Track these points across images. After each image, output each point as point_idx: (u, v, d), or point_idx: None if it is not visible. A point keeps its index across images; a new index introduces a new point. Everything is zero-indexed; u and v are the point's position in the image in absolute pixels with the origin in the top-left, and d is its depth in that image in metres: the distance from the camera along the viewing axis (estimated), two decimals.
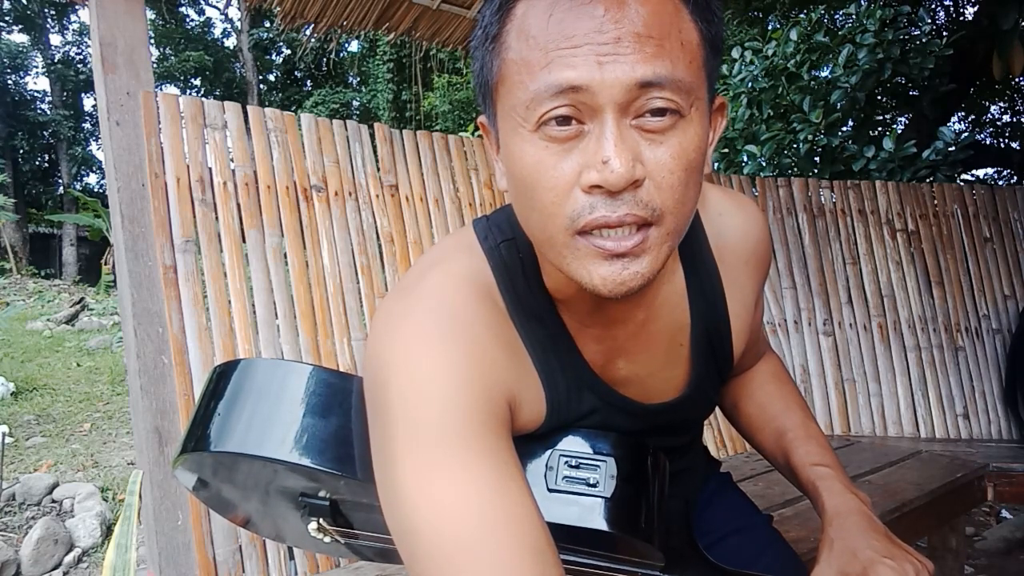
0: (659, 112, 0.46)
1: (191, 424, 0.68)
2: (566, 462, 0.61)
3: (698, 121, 0.49)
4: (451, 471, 0.48)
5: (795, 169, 3.58)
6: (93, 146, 19.37)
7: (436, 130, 2.96)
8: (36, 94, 20.38)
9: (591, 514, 0.59)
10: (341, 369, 1.47)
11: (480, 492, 0.47)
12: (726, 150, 3.80)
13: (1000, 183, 6.58)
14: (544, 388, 0.61)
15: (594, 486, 0.60)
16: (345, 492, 0.66)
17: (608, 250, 0.47)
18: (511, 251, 0.62)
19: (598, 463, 0.61)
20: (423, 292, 0.57)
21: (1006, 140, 7.62)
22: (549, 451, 0.62)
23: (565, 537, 0.60)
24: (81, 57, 18.79)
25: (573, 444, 0.63)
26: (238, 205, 1.43)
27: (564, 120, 0.47)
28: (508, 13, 0.49)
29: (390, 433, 0.51)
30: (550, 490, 0.60)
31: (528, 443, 0.62)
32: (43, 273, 13.04)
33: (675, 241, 0.51)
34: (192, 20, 20.30)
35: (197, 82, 19.76)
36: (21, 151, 17.17)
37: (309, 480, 0.65)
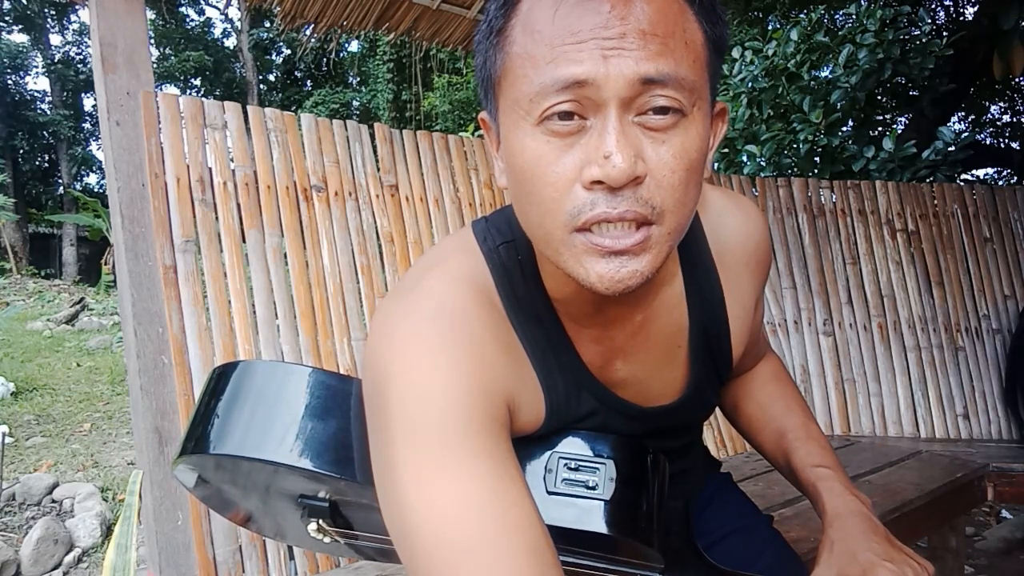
0: (662, 110, 0.47)
1: (190, 426, 0.68)
2: (565, 464, 0.61)
3: (700, 121, 0.49)
4: (450, 472, 0.48)
5: (795, 169, 3.58)
6: (93, 146, 19.39)
7: (436, 130, 2.95)
8: (36, 94, 20.41)
9: (590, 516, 0.59)
10: (341, 369, 1.47)
11: (479, 494, 0.47)
12: (726, 150, 3.80)
13: (1000, 183, 6.57)
14: (543, 389, 0.61)
15: (593, 488, 0.60)
16: (345, 493, 0.66)
17: (606, 247, 0.47)
18: (510, 253, 0.62)
19: (597, 466, 0.61)
20: (422, 293, 0.57)
21: (1006, 140, 7.62)
22: (548, 453, 0.62)
23: (564, 539, 0.60)
24: (81, 57, 18.79)
25: (572, 446, 0.62)
26: (238, 205, 1.42)
27: (567, 115, 0.47)
28: (513, 8, 0.49)
29: (389, 434, 0.51)
30: (549, 492, 0.60)
31: (527, 445, 0.62)
32: (43, 273, 13.03)
33: (675, 241, 0.51)
34: (192, 20, 20.28)
35: (197, 82, 19.75)
36: (21, 151, 17.16)
37: (308, 481, 0.65)
